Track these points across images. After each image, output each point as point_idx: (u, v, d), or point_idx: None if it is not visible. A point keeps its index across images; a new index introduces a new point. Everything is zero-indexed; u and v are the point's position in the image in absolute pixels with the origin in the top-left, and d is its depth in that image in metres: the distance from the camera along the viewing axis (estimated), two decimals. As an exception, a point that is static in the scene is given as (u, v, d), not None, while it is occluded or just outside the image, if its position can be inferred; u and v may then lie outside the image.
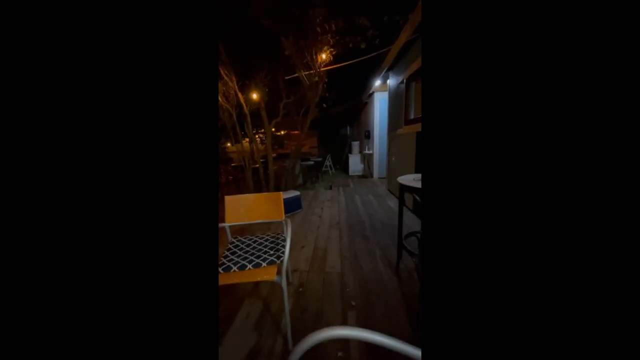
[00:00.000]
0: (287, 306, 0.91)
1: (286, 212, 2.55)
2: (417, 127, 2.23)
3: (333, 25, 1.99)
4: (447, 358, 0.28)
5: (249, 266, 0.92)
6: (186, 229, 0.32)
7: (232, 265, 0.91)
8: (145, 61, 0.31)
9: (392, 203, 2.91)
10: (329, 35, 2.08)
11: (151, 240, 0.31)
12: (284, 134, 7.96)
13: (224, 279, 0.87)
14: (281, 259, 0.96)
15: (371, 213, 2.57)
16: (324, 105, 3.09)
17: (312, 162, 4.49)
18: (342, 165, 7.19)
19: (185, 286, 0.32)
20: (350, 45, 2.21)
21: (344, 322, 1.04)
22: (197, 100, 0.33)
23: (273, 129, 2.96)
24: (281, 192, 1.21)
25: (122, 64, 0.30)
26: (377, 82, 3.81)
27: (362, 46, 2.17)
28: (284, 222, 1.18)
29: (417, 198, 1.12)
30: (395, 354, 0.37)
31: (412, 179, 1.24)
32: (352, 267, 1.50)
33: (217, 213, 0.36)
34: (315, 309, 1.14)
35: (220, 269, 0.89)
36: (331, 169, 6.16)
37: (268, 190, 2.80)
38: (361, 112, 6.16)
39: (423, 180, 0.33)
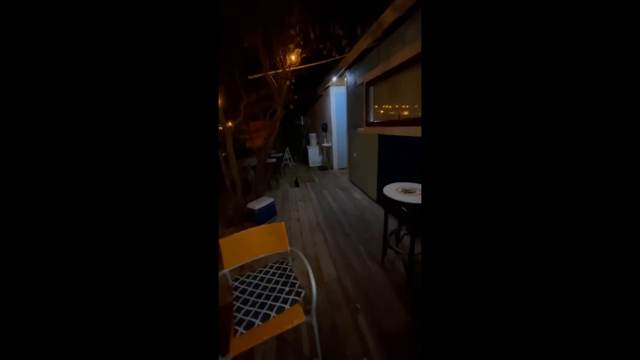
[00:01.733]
0: (319, 346, 0.88)
1: (263, 221, 2.43)
2: (379, 130, 2.47)
3: (311, 34, 1.83)
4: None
5: (272, 314, 0.86)
6: (186, 227, 0.35)
7: (254, 319, 0.83)
8: (146, 62, 0.31)
9: (358, 195, 3.21)
10: (301, 40, 1.91)
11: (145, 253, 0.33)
12: (243, 128, 6.78)
13: (250, 340, 0.77)
14: (302, 294, 0.94)
15: (344, 208, 2.77)
16: (291, 107, 2.90)
17: (274, 159, 4.26)
18: (300, 156, 7.12)
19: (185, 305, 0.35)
20: (324, 52, 2.11)
21: (358, 328, 1.18)
22: (197, 109, 0.35)
23: (230, 123, 2.57)
24: (282, 223, 1.14)
25: (122, 65, 0.30)
26: (334, 78, 3.83)
27: (334, 54, 2.12)
28: (289, 252, 1.14)
29: (405, 209, 1.31)
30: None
31: (394, 190, 1.42)
32: (345, 270, 1.65)
33: (216, 215, 0.40)
34: (328, 323, 1.22)
35: (240, 329, 0.80)
36: (290, 161, 6.02)
37: (236, 199, 2.52)
38: (315, 103, 6.11)
39: (424, 178, 0.35)
